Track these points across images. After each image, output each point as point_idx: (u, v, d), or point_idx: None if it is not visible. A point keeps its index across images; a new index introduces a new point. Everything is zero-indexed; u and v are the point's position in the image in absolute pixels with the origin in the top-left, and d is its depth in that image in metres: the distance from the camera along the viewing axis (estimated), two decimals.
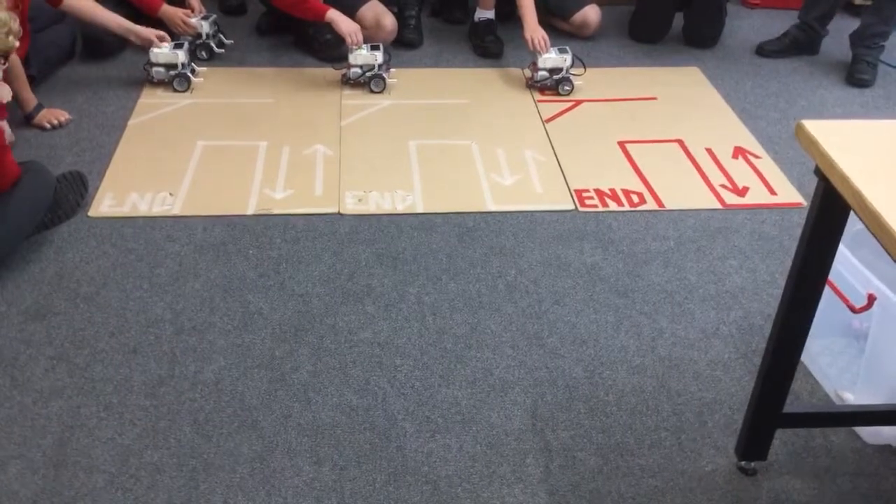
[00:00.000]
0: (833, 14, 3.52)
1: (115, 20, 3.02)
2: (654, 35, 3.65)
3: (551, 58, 3.16)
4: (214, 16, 3.39)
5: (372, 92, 3.15)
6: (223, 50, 3.38)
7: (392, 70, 3.23)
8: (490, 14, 3.49)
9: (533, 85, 3.22)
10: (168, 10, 3.23)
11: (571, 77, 3.18)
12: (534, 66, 3.21)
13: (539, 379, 1.95)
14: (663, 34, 3.66)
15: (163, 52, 3.06)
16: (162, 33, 3.09)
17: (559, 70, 3.17)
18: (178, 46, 3.09)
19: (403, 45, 3.49)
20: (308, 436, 1.78)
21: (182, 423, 1.80)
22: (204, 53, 3.33)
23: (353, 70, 3.15)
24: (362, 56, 3.12)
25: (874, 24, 3.34)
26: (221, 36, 3.40)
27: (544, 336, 2.08)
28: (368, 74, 3.14)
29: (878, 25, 3.33)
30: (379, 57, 3.13)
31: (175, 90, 3.09)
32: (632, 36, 3.70)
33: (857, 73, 3.36)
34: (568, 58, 3.16)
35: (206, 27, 3.31)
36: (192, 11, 3.33)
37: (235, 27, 3.62)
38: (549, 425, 1.83)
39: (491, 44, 3.48)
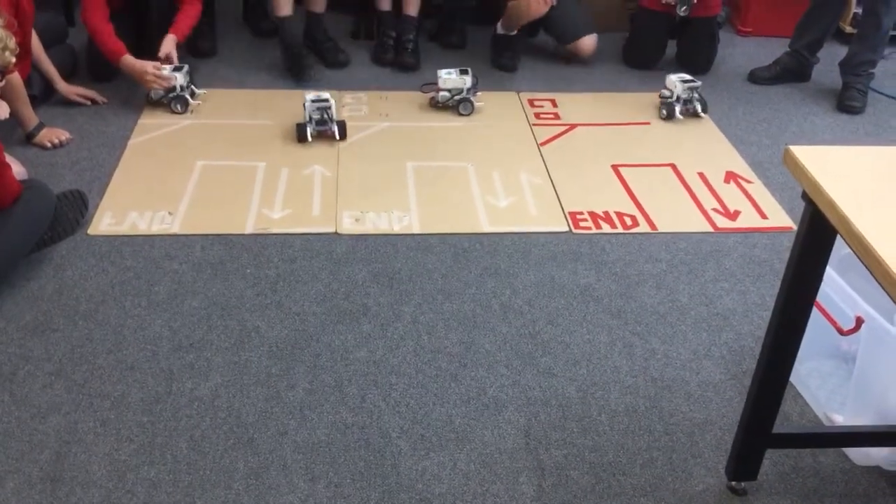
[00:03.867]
0: (822, 42, 3.57)
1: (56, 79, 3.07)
2: (647, 61, 3.70)
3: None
4: (187, 66, 3.15)
5: (460, 115, 3.19)
6: (198, 101, 3.18)
7: (479, 93, 3.25)
8: (511, 34, 3.58)
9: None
10: (131, 65, 3.04)
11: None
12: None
13: (532, 398, 1.97)
14: (657, 61, 3.71)
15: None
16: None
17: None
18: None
19: (401, 68, 3.54)
20: (303, 453, 1.80)
21: (178, 439, 1.82)
22: (179, 107, 3.11)
23: (441, 94, 3.19)
24: (451, 80, 3.17)
25: (860, 53, 3.39)
26: (193, 87, 3.19)
27: (538, 356, 2.10)
28: (457, 98, 3.19)
29: (864, 53, 3.38)
30: (468, 81, 3.18)
31: (172, 111, 3.12)
32: (626, 62, 3.75)
33: (848, 101, 3.41)
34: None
35: (180, 79, 3.09)
36: (162, 62, 3.09)
37: (233, 39, 3.67)
38: (542, 444, 1.85)
39: (508, 59, 3.59)
